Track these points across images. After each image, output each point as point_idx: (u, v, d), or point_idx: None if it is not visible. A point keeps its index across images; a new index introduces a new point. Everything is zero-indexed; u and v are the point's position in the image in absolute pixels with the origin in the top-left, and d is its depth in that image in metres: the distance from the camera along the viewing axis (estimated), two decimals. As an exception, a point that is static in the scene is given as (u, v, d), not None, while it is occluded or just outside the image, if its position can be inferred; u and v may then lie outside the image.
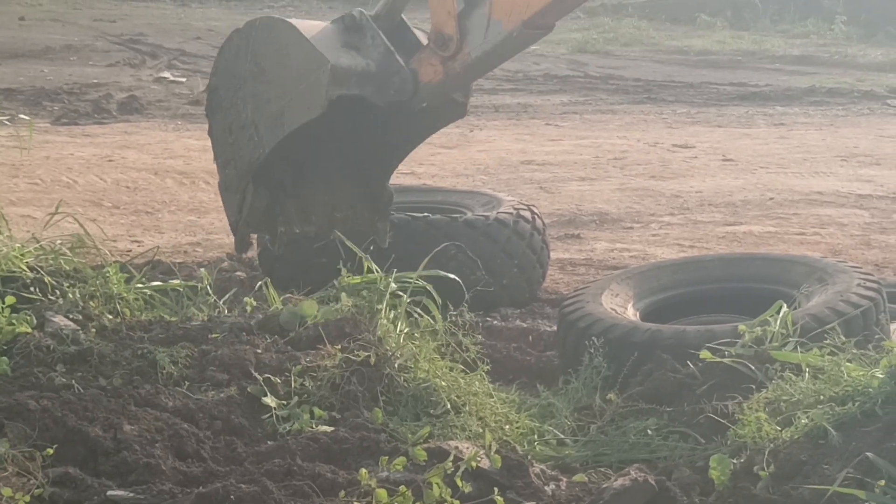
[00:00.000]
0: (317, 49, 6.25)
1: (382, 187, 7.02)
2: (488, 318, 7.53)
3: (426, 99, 6.51)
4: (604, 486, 4.36)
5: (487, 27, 6.26)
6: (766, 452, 4.54)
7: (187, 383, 5.36)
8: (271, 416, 5.17)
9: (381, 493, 4.20)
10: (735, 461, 4.66)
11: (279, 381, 5.34)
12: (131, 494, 4.32)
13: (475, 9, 6.31)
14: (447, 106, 6.78)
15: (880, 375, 4.72)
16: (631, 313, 6.56)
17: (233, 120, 6.47)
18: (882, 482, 3.85)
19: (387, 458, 4.49)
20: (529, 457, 4.97)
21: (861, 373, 4.87)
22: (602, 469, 5.09)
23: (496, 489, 4.35)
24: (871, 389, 4.67)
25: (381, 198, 6.96)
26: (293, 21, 6.44)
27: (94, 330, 5.88)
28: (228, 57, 6.55)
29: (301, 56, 6.24)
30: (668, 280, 6.96)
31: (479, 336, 6.24)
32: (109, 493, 4.33)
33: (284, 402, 5.24)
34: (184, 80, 20.45)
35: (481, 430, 5.14)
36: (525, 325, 7.62)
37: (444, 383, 5.38)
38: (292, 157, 6.46)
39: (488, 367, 5.72)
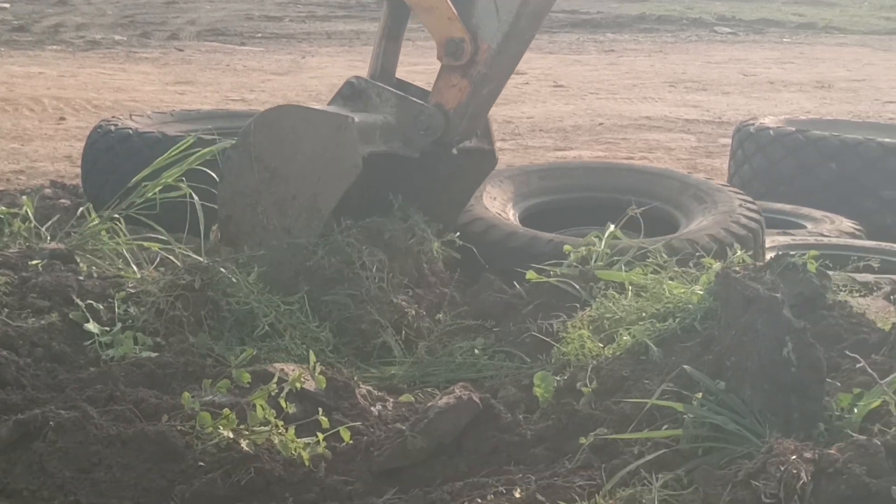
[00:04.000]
0: (331, 112, 5.82)
1: None
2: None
3: (460, 128, 5.97)
4: (429, 404, 4.37)
5: (497, 9, 5.80)
6: (589, 369, 4.59)
7: (7, 310, 5.23)
8: (94, 342, 5.07)
9: (205, 415, 4.16)
10: (558, 378, 4.71)
11: (102, 307, 5.25)
12: (-53, 423, 4.21)
13: (475, 3, 5.85)
14: (476, 157, 6.28)
15: (700, 292, 4.80)
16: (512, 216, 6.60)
17: (261, 239, 5.89)
18: (699, 394, 3.91)
19: (210, 381, 4.45)
20: (356, 378, 4.96)
21: (682, 290, 4.95)
22: (429, 389, 5.11)
23: (321, 410, 4.34)
24: (690, 306, 4.75)
25: None
26: (290, 104, 5.98)
27: None
28: (231, 179, 6.02)
29: (315, 129, 5.76)
30: (536, 186, 6.97)
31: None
32: (-77, 422, 4.21)
33: (108, 329, 5.14)
34: (7, 5, 19.94)
35: (306, 353, 5.12)
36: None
37: (265, 307, 5.34)
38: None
39: (307, 289, 5.67)
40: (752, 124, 9.04)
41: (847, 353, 4.08)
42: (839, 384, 3.96)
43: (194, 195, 6.37)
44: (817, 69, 18.45)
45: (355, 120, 5.67)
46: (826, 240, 7.23)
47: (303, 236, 5.75)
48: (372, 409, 4.67)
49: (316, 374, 4.51)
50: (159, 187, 6.52)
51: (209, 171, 6.55)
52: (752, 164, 8.79)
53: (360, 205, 5.84)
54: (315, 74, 15.67)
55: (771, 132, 8.81)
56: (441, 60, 5.95)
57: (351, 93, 6.00)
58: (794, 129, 8.85)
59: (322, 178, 5.74)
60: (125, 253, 6.09)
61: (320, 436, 4.19)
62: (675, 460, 3.81)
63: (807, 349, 3.79)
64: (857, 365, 3.81)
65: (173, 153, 6.75)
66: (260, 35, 19.57)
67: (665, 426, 3.98)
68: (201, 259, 5.80)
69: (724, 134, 12.00)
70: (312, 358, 4.58)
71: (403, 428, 4.28)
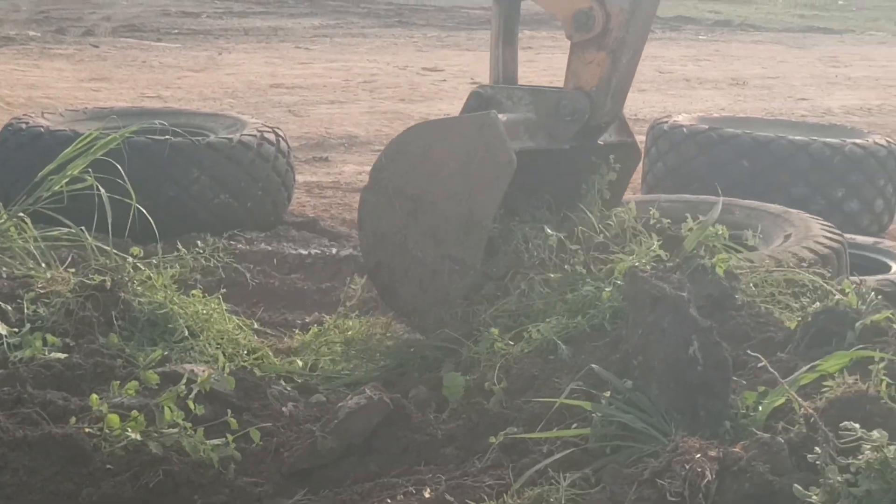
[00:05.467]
0: (469, 115, 5.48)
1: None
2: (233, 242, 7.46)
3: (605, 107, 5.59)
4: (339, 405, 4.37)
5: None
6: (497, 368, 4.61)
7: (-87, 313, 5.17)
8: (2, 343, 5.00)
9: (113, 417, 4.13)
10: (468, 378, 4.72)
11: (11, 307, 5.19)
12: None
13: None
14: (619, 151, 5.90)
15: (608, 290, 4.82)
16: None
17: (419, 276, 5.49)
18: (608, 393, 3.94)
19: (119, 382, 4.42)
20: (266, 379, 4.95)
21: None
22: (342, 389, 5.10)
23: (230, 411, 4.32)
24: (598, 303, 4.78)
25: None
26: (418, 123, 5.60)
27: None
28: (372, 222, 5.62)
29: (455, 138, 5.37)
30: None
31: (223, 260, 6.18)
32: None
33: (16, 330, 5.07)
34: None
35: (221, 354, 5.10)
36: (270, 249, 7.59)
37: (179, 308, 5.31)
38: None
39: (224, 290, 5.65)
40: (666, 122, 9.11)
41: (749, 352, 4.12)
42: (745, 382, 4.00)
43: (101, 189, 6.31)
44: (732, 66, 18.62)
45: (497, 113, 5.33)
46: None
47: (467, 258, 5.38)
48: (283, 409, 4.66)
49: (225, 374, 4.49)
50: (66, 180, 6.46)
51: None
52: (666, 161, 8.85)
53: (506, 216, 5.51)
54: (232, 71, 15.59)
55: (684, 130, 8.88)
56: (572, 38, 5.59)
57: (478, 104, 5.68)
58: (707, 126, 8.92)
59: (474, 188, 5.33)
60: (34, 252, 6.02)
61: (230, 437, 4.18)
62: (584, 459, 3.83)
63: (713, 348, 3.83)
64: (759, 364, 3.86)
65: (78, 147, 6.69)
66: (177, 31, 19.45)
67: (574, 425, 4.01)
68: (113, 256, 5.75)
69: (639, 131, 11.99)
70: (221, 359, 4.56)
71: (314, 428, 4.28)
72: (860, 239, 7.44)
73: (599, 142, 5.84)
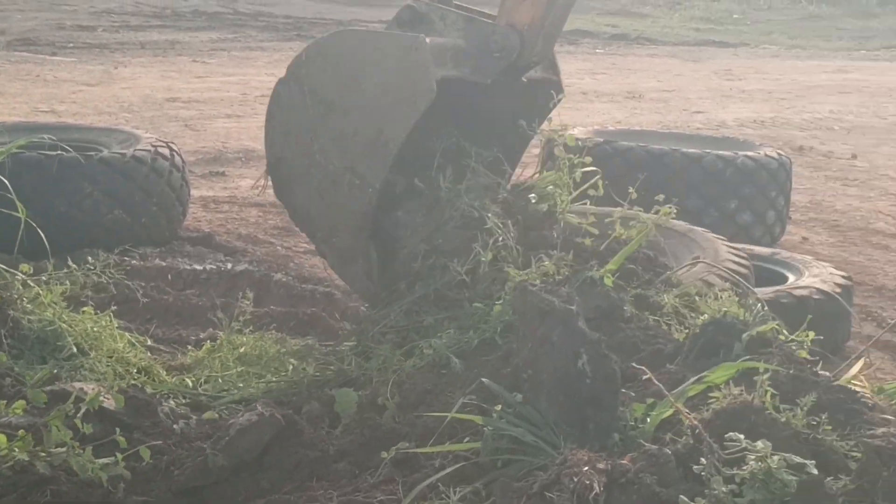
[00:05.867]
0: (399, 34, 5.29)
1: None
2: (126, 258, 7.38)
3: (536, 48, 5.45)
4: (230, 421, 4.34)
5: None
6: (391, 383, 4.62)
7: None
8: None
9: (0, 437, 4.07)
10: (360, 393, 4.71)
11: None
12: None
13: None
14: (542, 88, 5.82)
15: (499, 304, 4.84)
16: None
17: (318, 181, 5.42)
18: (499, 407, 3.95)
19: (6, 402, 4.36)
20: (158, 396, 4.91)
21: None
22: (234, 406, 5.07)
23: (118, 429, 4.27)
24: (490, 318, 4.80)
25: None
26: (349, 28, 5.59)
27: None
28: (281, 117, 5.54)
29: (380, 53, 5.22)
30: None
31: (114, 276, 6.12)
32: None
33: None
34: None
35: (112, 372, 5.05)
36: (164, 264, 7.52)
37: (69, 326, 5.25)
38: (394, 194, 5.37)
39: (115, 307, 5.61)
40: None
41: (635, 364, 4.16)
42: (634, 394, 4.03)
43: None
44: (629, 80, 18.79)
45: (426, 40, 5.17)
46: None
47: (368, 175, 5.28)
48: (174, 426, 4.62)
49: (114, 392, 4.44)
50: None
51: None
52: (561, 174, 8.89)
53: (419, 141, 5.37)
54: (127, 85, 15.46)
55: (578, 143, 8.93)
56: None
57: (410, 17, 5.54)
58: (601, 139, 8.98)
59: (389, 107, 5.21)
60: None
61: (119, 456, 4.13)
62: (475, 473, 3.84)
63: (601, 361, 3.85)
64: (644, 377, 3.89)
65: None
66: (72, 45, 19.25)
67: (466, 439, 4.01)
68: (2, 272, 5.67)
69: (535, 144, 12.11)
70: (110, 377, 4.52)
71: (205, 446, 4.25)
72: (758, 250, 7.55)
73: (523, 78, 5.77)
